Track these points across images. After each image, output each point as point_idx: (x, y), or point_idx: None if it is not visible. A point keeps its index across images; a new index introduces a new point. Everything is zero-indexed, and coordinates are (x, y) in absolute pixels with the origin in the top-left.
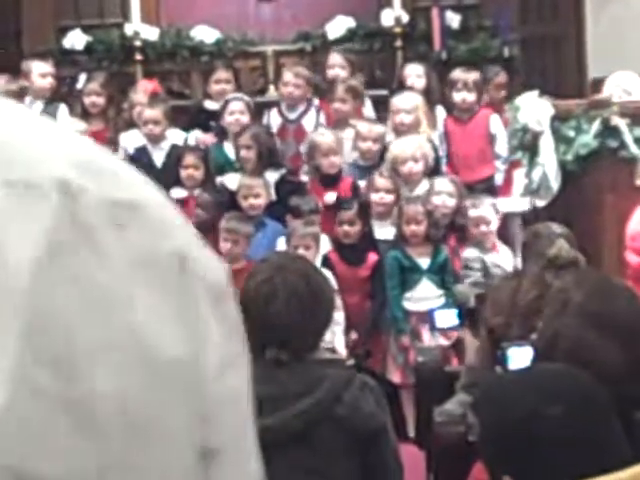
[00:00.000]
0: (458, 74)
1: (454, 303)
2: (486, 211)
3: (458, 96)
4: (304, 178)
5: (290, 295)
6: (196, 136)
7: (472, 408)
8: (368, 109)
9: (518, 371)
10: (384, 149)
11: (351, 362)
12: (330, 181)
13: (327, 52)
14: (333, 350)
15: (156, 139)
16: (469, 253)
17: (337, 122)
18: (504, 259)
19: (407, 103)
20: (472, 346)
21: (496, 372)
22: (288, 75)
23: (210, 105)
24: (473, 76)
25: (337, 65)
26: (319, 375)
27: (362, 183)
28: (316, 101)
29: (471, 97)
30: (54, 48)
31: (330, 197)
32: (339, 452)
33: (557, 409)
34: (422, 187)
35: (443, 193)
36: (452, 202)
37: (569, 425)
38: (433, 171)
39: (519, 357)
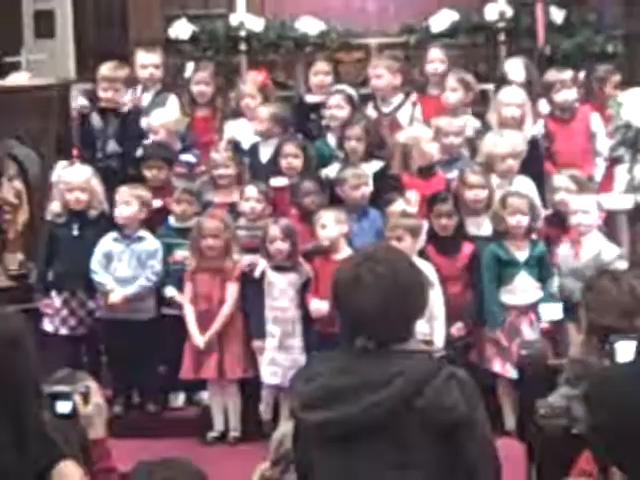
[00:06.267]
0: (553, 75)
1: (556, 296)
2: (587, 205)
3: (560, 96)
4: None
5: (375, 285)
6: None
7: (582, 401)
8: None
9: (626, 364)
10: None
11: (441, 353)
12: (427, 173)
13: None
14: (430, 342)
15: (266, 136)
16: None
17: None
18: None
19: (516, 97)
20: (577, 339)
21: (604, 365)
22: (371, 68)
23: (310, 98)
24: (568, 74)
25: (437, 60)
26: (400, 367)
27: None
28: (413, 96)
29: (572, 95)
30: (160, 37)
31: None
32: (420, 444)
33: None
34: (517, 182)
35: (562, 190)
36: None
37: None
38: (534, 167)
39: (626, 350)
